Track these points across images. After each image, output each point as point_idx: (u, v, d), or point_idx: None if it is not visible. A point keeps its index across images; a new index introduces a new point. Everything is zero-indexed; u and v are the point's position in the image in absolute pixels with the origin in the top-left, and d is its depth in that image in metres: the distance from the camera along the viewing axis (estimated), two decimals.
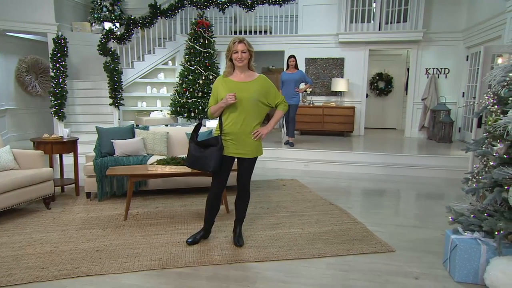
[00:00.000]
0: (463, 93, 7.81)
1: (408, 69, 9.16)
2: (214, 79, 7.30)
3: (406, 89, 9.09)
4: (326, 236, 3.31)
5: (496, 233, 2.49)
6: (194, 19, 7.46)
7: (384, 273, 2.71)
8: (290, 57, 6.76)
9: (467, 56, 7.69)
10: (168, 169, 3.72)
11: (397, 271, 2.75)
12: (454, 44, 7.91)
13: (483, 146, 2.80)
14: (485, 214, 2.65)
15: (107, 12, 9.07)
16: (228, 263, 2.82)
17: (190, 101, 7.16)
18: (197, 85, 7.14)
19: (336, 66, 8.58)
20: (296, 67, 6.71)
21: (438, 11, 7.90)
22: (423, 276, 2.68)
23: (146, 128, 5.02)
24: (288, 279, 2.62)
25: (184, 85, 7.23)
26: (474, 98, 7.15)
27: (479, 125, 4.78)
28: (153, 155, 4.67)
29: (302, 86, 6.86)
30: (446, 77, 8.07)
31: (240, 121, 2.86)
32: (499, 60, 5.12)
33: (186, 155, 3.93)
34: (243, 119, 2.86)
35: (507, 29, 5.15)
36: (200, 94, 7.16)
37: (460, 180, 2.99)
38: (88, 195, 4.35)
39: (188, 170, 3.71)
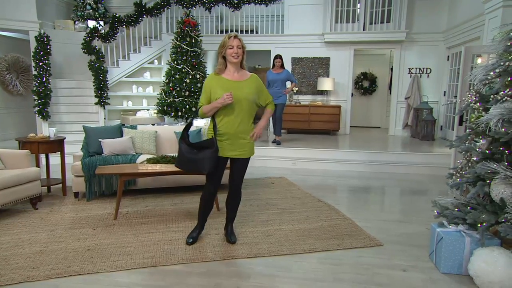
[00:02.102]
0: (445, 92, 8.04)
1: (391, 69, 9.36)
2: (201, 78, 7.28)
3: (390, 88, 9.29)
4: (316, 232, 3.38)
5: (479, 225, 2.60)
6: (181, 17, 7.43)
7: (373, 266, 2.79)
8: (276, 57, 6.81)
9: (448, 56, 7.92)
10: (158, 167, 3.72)
11: (385, 264, 2.83)
12: (435, 44, 8.14)
13: (466, 142, 2.92)
14: (469, 208, 2.76)
15: (91, 10, 8.94)
16: (221, 260, 2.85)
17: (177, 100, 7.12)
18: (184, 84, 7.11)
19: (322, 65, 8.70)
20: (282, 66, 6.79)
21: (420, 12, 8.11)
22: (410, 269, 2.77)
23: (134, 127, 4.99)
24: (281, 273, 2.67)
25: (170, 84, 7.19)
26: (455, 97, 7.37)
27: (460, 123, 4.95)
28: (142, 154, 4.64)
29: (288, 85, 6.93)
30: (428, 77, 8.30)
31: (237, 122, 2.81)
32: (479, 60, 5.31)
33: (176, 155, 3.91)
34: (240, 119, 2.82)
35: (486, 31, 5.34)
36: (187, 93, 7.14)
37: (444, 176, 3.12)
38: (76, 195, 4.30)
39: None
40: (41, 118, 6.45)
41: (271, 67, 7.04)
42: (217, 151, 2.80)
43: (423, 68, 8.30)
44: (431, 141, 7.52)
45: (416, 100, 8.21)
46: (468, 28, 6.61)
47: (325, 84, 8.39)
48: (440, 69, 8.16)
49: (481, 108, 2.81)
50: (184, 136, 2.94)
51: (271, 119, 7.01)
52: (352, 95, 8.95)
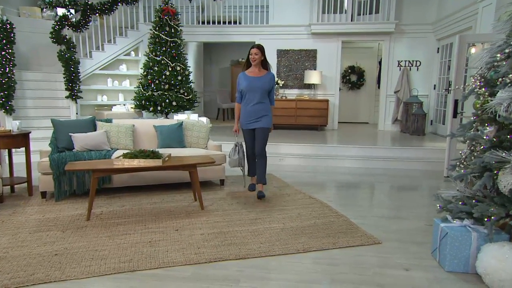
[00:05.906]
0: (435, 85, 7.92)
1: (380, 62, 9.19)
2: (181, 70, 6.89)
3: (379, 82, 9.12)
4: (309, 230, 3.13)
5: (486, 219, 2.41)
6: (159, 6, 7.03)
7: (373, 266, 2.57)
8: (253, 47, 3.93)
9: (438, 48, 7.80)
10: (136, 163, 3.37)
11: (386, 263, 2.61)
12: (424, 36, 7.99)
13: (472, 130, 2.71)
14: (474, 201, 2.56)
15: None
16: (207, 262, 2.57)
17: (156, 94, 6.74)
18: (163, 76, 6.74)
19: (308, 58, 8.46)
20: (264, 66, 4.01)
21: (409, 3, 7.96)
22: (413, 267, 2.56)
23: (109, 120, 4.60)
24: (274, 276, 2.41)
25: (149, 76, 6.80)
26: (446, 90, 7.27)
27: (454, 115, 4.80)
28: (117, 149, 4.28)
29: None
30: (417, 70, 8.16)
31: None
32: (473, 50, 5.18)
33: (156, 149, 3.56)
34: None
35: (479, 20, 5.20)
36: (166, 86, 6.76)
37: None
38: (44, 194, 3.90)
39: (159, 163, 3.40)
40: (4, 112, 5.94)
41: (245, 66, 4.06)
42: None
43: (413, 61, 8.16)
44: (422, 136, 7.40)
45: (405, 94, 8.06)
46: (459, 18, 6.46)
47: (312, 77, 8.15)
48: (430, 61, 8.02)
49: (486, 93, 2.61)
50: None
51: (246, 157, 4.32)
52: (339, 89, 8.75)
